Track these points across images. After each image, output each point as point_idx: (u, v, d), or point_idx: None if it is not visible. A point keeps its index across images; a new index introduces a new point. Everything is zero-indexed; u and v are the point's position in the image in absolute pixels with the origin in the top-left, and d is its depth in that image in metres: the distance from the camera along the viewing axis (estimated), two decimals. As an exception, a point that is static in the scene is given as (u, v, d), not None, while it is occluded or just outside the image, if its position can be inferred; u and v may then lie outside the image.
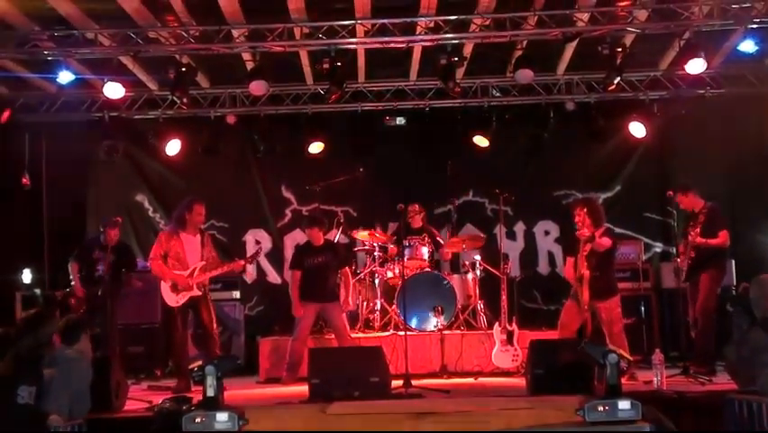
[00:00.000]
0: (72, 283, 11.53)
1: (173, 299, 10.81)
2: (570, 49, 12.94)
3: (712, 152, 13.95)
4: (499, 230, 13.11)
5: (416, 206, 13.24)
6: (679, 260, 11.06)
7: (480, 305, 12.66)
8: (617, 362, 5.88)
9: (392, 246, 13.06)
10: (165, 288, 10.86)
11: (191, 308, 10.91)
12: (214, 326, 11.15)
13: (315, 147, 14.17)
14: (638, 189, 14.79)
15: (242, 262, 11.67)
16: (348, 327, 11.80)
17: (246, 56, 12.76)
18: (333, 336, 11.82)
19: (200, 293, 10.90)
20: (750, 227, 13.70)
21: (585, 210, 10.44)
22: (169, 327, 11.28)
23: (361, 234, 13.45)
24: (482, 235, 13.91)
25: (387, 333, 12.22)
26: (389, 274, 12.83)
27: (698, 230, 10.72)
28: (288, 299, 11.85)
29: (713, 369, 10.37)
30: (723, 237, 10.80)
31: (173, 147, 14.07)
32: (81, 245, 11.83)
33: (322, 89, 13.58)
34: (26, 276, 13.72)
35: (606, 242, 10.30)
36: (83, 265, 11.55)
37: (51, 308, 10.11)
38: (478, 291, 12.72)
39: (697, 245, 10.74)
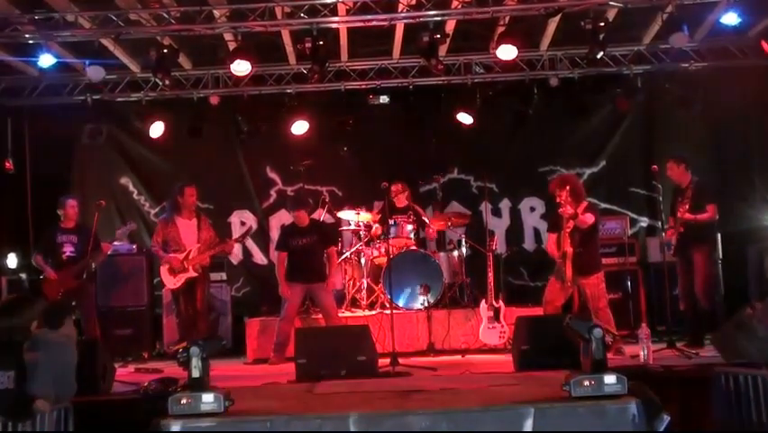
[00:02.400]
0: (43, 272, 11.46)
1: (171, 282, 11.34)
2: (552, 24, 12.92)
3: (696, 125, 13.98)
4: (485, 207, 13.16)
5: (400, 185, 13.19)
6: (666, 234, 11.09)
7: (467, 282, 12.68)
8: (602, 337, 5.89)
9: (377, 225, 13.06)
10: (163, 271, 11.36)
11: (188, 290, 11.24)
12: (205, 309, 11.44)
13: (299, 127, 14.10)
14: (623, 164, 14.81)
15: (233, 242, 12.03)
16: (336, 307, 11.82)
17: (228, 36, 12.70)
18: (320, 315, 11.82)
19: (197, 274, 11.34)
20: (735, 199, 13.72)
21: (567, 189, 10.41)
22: (174, 307, 11.86)
23: (347, 214, 13.44)
24: (468, 213, 13.93)
25: (373, 312, 12.22)
26: (375, 253, 12.81)
27: (687, 206, 10.70)
28: (274, 279, 11.89)
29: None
30: (711, 211, 10.83)
31: (157, 129, 13.99)
32: (41, 236, 11.78)
33: (305, 69, 13.53)
34: (11, 261, 13.68)
35: (589, 218, 10.32)
36: (48, 254, 11.48)
37: (34, 295, 10.08)
38: (464, 269, 12.75)
39: (686, 221, 10.74)
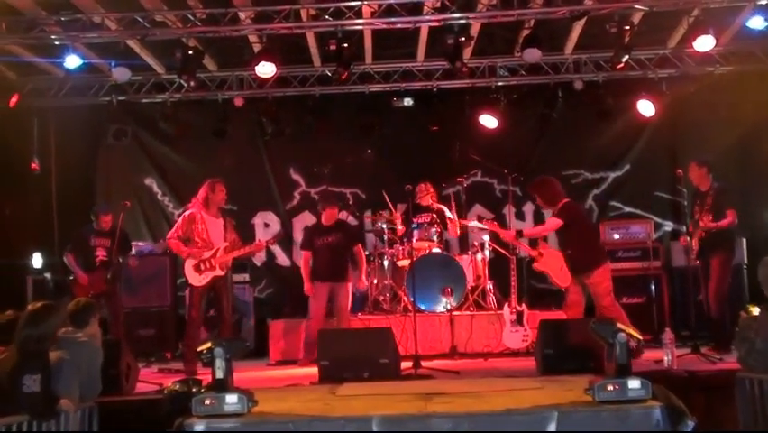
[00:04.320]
0: (73, 273, 11.48)
1: (196, 279, 10.89)
2: (577, 27, 12.90)
3: (721, 129, 13.89)
4: (508, 210, 13.12)
5: (422, 185, 13.13)
6: (687, 239, 11.00)
7: (490, 285, 12.65)
8: (626, 341, 5.87)
9: (401, 227, 13.06)
10: (188, 267, 10.95)
11: (213, 289, 10.99)
12: (230, 311, 11.27)
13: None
14: (648, 168, 14.76)
15: (264, 243, 11.77)
16: (348, 311, 11.85)
17: (253, 38, 12.74)
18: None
19: (223, 273, 11.00)
20: (761, 205, 13.67)
21: (535, 194, 10.67)
22: (188, 305, 11.45)
23: (370, 216, 13.44)
24: (491, 215, 13.91)
25: (396, 314, 12.20)
26: (398, 255, 12.80)
27: (710, 216, 10.59)
28: (297, 281, 11.93)
29: (728, 348, 10.27)
30: (731, 217, 10.66)
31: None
32: (74, 236, 11.77)
33: (329, 71, 13.57)
34: (37, 260, 13.75)
35: (551, 225, 10.38)
36: (79, 255, 11.50)
37: (60, 299, 10.09)
38: (487, 272, 12.70)
39: (708, 229, 10.65)
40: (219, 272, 10.91)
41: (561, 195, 10.69)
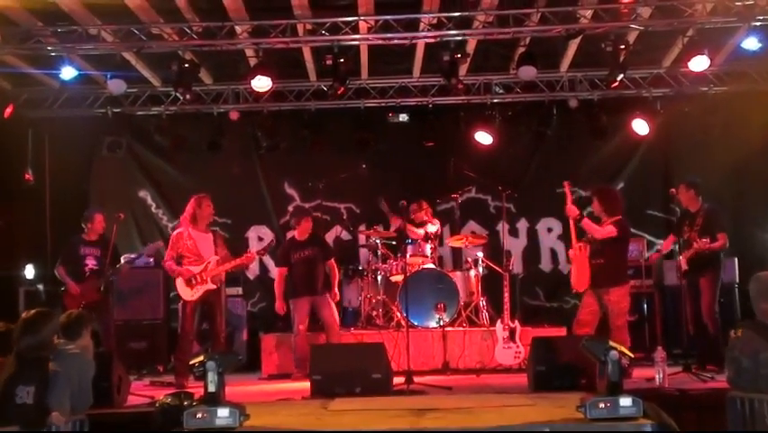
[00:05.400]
0: (64, 284, 11.43)
1: (188, 294, 10.92)
2: (573, 46, 12.93)
3: (715, 149, 13.89)
4: (502, 227, 13.14)
5: (415, 204, 13.19)
6: (651, 256, 11.02)
7: (483, 302, 12.66)
8: (618, 359, 5.87)
9: (394, 243, 13.06)
10: (180, 283, 10.97)
11: (205, 303, 10.99)
12: (223, 325, 11.26)
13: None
14: (641, 187, 14.78)
15: (255, 254, 11.71)
16: (337, 321, 11.85)
17: (249, 52, 12.75)
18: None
19: (215, 287, 11.03)
20: (753, 225, 13.71)
21: (596, 199, 10.61)
22: (181, 319, 11.38)
23: (364, 231, 13.44)
24: (485, 232, 13.92)
25: (389, 329, 12.19)
26: (392, 271, 12.80)
27: (707, 239, 10.56)
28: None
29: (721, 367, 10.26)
30: (722, 240, 10.71)
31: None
32: (64, 248, 11.71)
33: (325, 86, 13.57)
34: (29, 272, 13.72)
35: (606, 230, 10.32)
36: (69, 265, 11.44)
37: (53, 307, 10.07)
38: (480, 288, 12.72)
39: (702, 251, 10.66)
40: (211, 286, 10.91)
41: (620, 209, 10.70)
